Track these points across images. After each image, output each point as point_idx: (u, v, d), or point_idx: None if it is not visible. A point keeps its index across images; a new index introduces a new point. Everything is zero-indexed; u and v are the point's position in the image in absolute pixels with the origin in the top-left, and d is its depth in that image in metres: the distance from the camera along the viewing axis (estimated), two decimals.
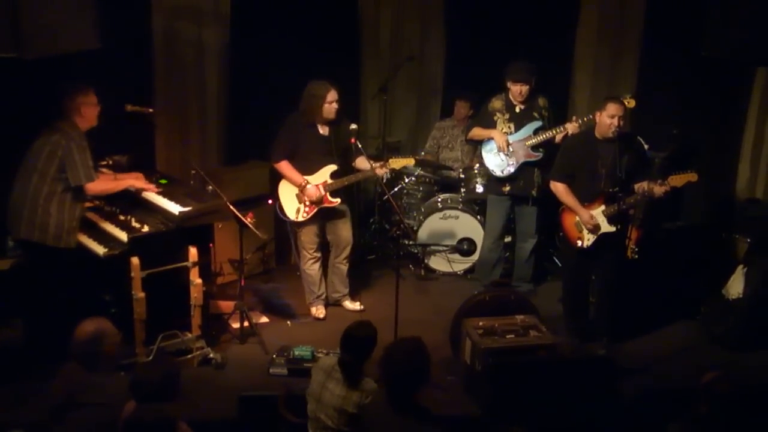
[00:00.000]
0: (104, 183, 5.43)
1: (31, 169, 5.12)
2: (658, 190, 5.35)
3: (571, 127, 6.13)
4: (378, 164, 5.97)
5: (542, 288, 6.83)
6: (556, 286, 6.50)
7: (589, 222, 5.54)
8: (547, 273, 7.02)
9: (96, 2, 5.45)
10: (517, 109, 6.37)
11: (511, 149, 6.31)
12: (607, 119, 5.42)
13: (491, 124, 6.42)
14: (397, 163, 6.12)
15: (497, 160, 6.38)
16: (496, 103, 6.44)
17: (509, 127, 6.37)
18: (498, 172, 6.39)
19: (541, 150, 6.32)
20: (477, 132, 6.50)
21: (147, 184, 5.70)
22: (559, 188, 5.69)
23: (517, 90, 6.27)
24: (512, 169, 6.35)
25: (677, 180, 5.36)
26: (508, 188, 6.44)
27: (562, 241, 6.02)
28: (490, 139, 6.37)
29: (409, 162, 6.31)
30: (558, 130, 6.20)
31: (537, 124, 6.34)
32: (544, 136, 6.25)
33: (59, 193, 5.12)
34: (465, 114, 7.46)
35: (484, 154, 6.46)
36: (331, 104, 5.87)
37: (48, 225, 5.10)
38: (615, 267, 5.53)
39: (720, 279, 6.14)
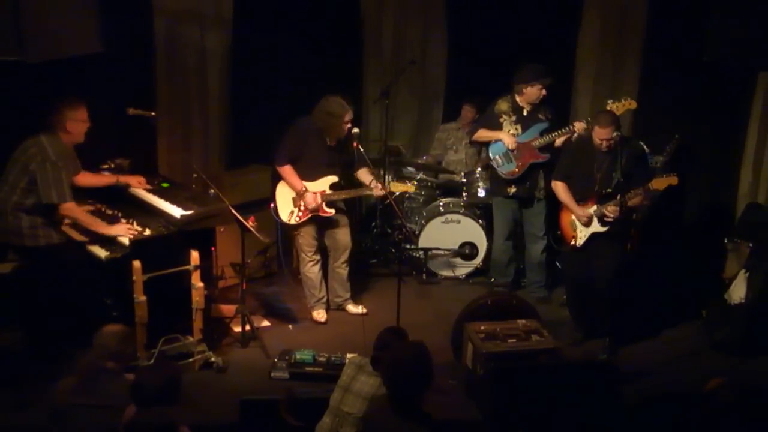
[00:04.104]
0: (80, 211, 5.29)
1: (3, 179, 5.13)
2: (633, 199, 5.44)
3: (579, 126, 6.13)
4: (378, 185, 5.98)
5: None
6: (560, 291, 6.53)
7: (582, 216, 5.63)
8: (552, 278, 6.98)
9: (98, 6, 5.47)
10: (525, 112, 6.39)
11: (517, 151, 6.31)
12: (597, 139, 5.48)
13: (497, 126, 6.43)
14: (397, 187, 6.31)
15: (505, 162, 6.39)
16: (503, 105, 6.43)
17: (516, 129, 6.39)
18: (505, 173, 6.39)
19: (547, 152, 6.33)
20: (483, 134, 6.51)
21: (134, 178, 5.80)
22: (558, 186, 5.79)
23: (537, 92, 6.25)
24: (520, 171, 6.35)
25: (659, 183, 5.40)
26: (513, 190, 6.44)
27: (558, 240, 6.13)
28: (498, 140, 6.38)
29: (409, 189, 6.52)
30: (564, 131, 6.20)
31: (543, 125, 6.35)
32: (550, 136, 6.26)
33: (28, 205, 5.09)
34: (471, 118, 7.46)
35: (492, 155, 6.46)
36: (346, 125, 5.87)
37: (21, 228, 5.09)
38: (612, 270, 5.57)
39: (722, 284, 6.14)
